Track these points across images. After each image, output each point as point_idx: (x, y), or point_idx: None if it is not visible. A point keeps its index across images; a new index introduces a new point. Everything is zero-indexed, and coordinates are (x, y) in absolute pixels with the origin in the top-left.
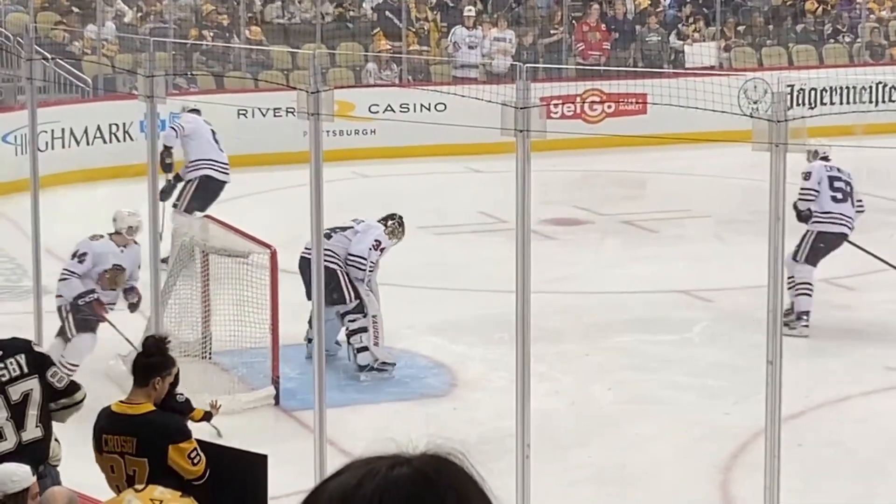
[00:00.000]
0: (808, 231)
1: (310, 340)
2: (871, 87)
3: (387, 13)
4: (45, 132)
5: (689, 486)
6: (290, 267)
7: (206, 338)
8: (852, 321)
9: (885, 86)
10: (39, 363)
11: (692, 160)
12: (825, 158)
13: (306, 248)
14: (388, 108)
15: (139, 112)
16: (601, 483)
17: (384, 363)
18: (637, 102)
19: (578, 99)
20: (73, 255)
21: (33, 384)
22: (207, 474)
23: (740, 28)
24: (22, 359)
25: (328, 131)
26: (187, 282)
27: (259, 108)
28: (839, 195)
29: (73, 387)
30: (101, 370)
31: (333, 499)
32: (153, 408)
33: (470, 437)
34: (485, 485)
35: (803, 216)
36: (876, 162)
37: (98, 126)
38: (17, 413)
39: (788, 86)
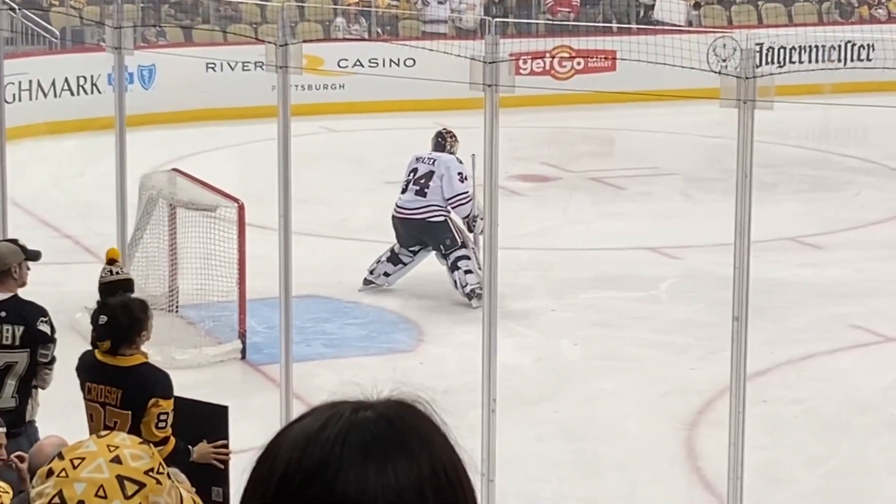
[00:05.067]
0: None
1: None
2: (839, 46)
3: None
4: (13, 84)
5: (655, 441)
6: (258, 221)
7: (172, 291)
8: (818, 279)
9: (853, 45)
10: (35, 339)
11: (661, 118)
12: None
13: (397, 208)
14: (358, 63)
15: (107, 65)
16: (567, 438)
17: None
18: (606, 59)
19: (548, 55)
20: None
21: (20, 358)
22: (169, 446)
23: None
24: (19, 331)
25: (297, 86)
26: (154, 235)
27: (228, 62)
28: None
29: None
30: (67, 323)
31: (297, 441)
32: (144, 360)
33: (436, 392)
34: (448, 430)
35: None
36: (843, 121)
37: (66, 78)
38: None
39: (757, 44)
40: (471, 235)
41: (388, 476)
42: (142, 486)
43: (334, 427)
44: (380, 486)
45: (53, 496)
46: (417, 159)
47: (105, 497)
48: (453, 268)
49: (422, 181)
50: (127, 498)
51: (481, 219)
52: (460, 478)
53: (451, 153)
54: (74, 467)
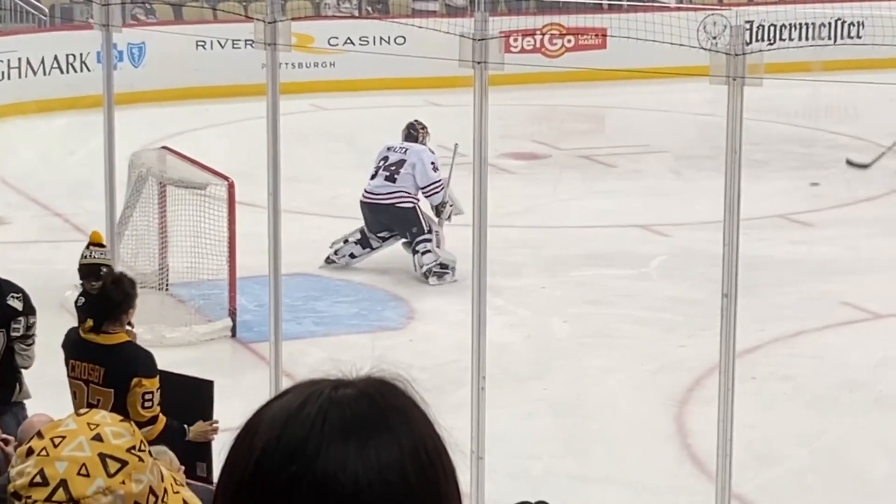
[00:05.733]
0: None
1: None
2: (829, 24)
3: None
4: (1, 62)
5: (645, 418)
6: (248, 199)
7: (162, 269)
8: (808, 256)
9: (843, 22)
10: (6, 316)
11: (651, 95)
12: None
13: (366, 193)
14: (348, 41)
15: (96, 43)
16: (557, 415)
17: (443, 264)
18: (597, 36)
19: (538, 33)
20: None
21: None
22: (158, 425)
23: None
24: None
25: (286, 64)
26: (144, 213)
27: (217, 40)
28: None
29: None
30: (57, 301)
31: (276, 419)
32: (128, 338)
33: (426, 370)
34: (428, 408)
35: None
36: (833, 98)
37: (55, 56)
38: None
39: (747, 21)
40: (436, 220)
41: (369, 454)
42: (124, 463)
43: (314, 405)
44: (361, 464)
45: (35, 475)
46: (388, 148)
47: (88, 475)
48: (414, 252)
49: (392, 167)
50: (110, 476)
51: (450, 205)
52: (441, 455)
53: (423, 144)
54: (55, 446)
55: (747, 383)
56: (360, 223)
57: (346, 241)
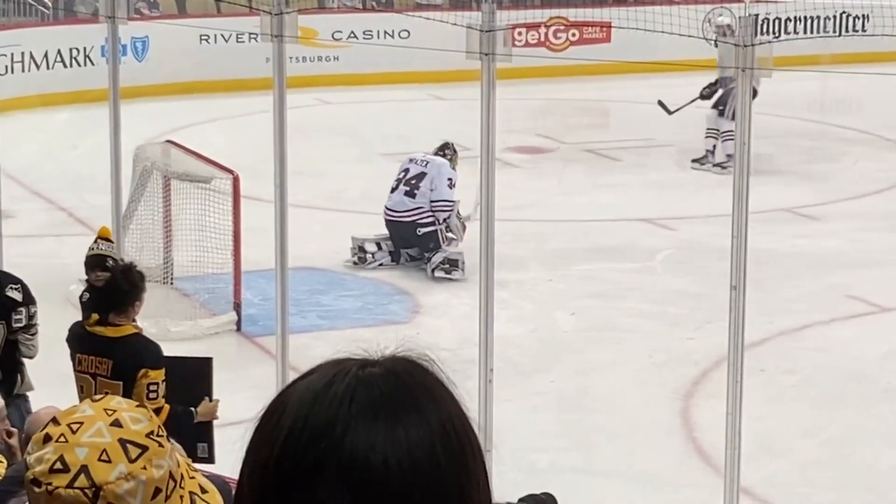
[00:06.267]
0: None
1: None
2: (834, 17)
3: None
4: (5, 56)
5: (651, 412)
6: (252, 193)
7: (167, 263)
8: (815, 250)
9: (848, 15)
10: (6, 307)
11: (655, 89)
12: None
13: (387, 210)
14: (352, 35)
15: (100, 36)
16: (563, 409)
17: (451, 260)
18: (602, 29)
19: (543, 26)
20: None
21: None
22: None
23: None
24: None
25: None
26: (149, 207)
27: (221, 33)
28: None
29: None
30: (62, 295)
31: (303, 399)
32: (135, 330)
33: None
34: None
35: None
36: (839, 91)
37: (58, 50)
38: None
39: (753, 14)
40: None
41: (398, 433)
42: (145, 449)
43: (341, 383)
44: (390, 443)
45: (55, 462)
46: (411, 160)
47: (109, 461)
48: (427, 259)
49: (412, 182)
50: (131, 461)
51: (452, 230)
52: (468, 434)
53: (452, 165)
54: (73, 432)
55: (755, 376)
56: (369, 216)
57: (379, 247)
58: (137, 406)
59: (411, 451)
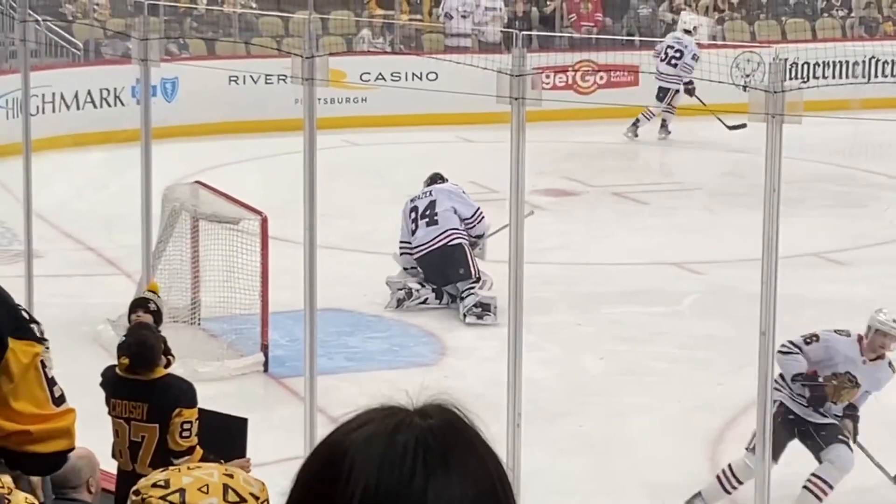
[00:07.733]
0: None
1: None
2: (863, 62)
3: None
4: (36, 96)
5: (679, 457)
6: (281, 234)
7: (195, 304)
8: (843, 295)
9: (877, 60)
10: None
11: (683, 132)
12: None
13: (416, 248)
14: (380, 77)
15: (130, 77)
16: (590, 453)
17: (483, 304)
18: (629, 73)
19: (571, 70)
20: None
21: None
22: (196, 455)
23: (733, 1)
24: None
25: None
26: (177, 247)
27: (251, 75)
28: None
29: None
30: (90, 335)
31: (371, 451)
32: (166, 372)
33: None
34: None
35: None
36: (870, 136)
37: (89, 91)
38: None
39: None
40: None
41: (469, 483)
42: (243, 500)
43: (408, 433)
44: (465, 495)
45: (160, 480)
46: (412, 200)
47: (206, 493)
48: (460, 299)
49: (428, 213)
50: (225, 502)
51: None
52: (508, 481)
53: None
54: (189, 468)
55: None
56: (394, 263)
57: (422, 285)
58: (256, 479)
59: (479, 499)
